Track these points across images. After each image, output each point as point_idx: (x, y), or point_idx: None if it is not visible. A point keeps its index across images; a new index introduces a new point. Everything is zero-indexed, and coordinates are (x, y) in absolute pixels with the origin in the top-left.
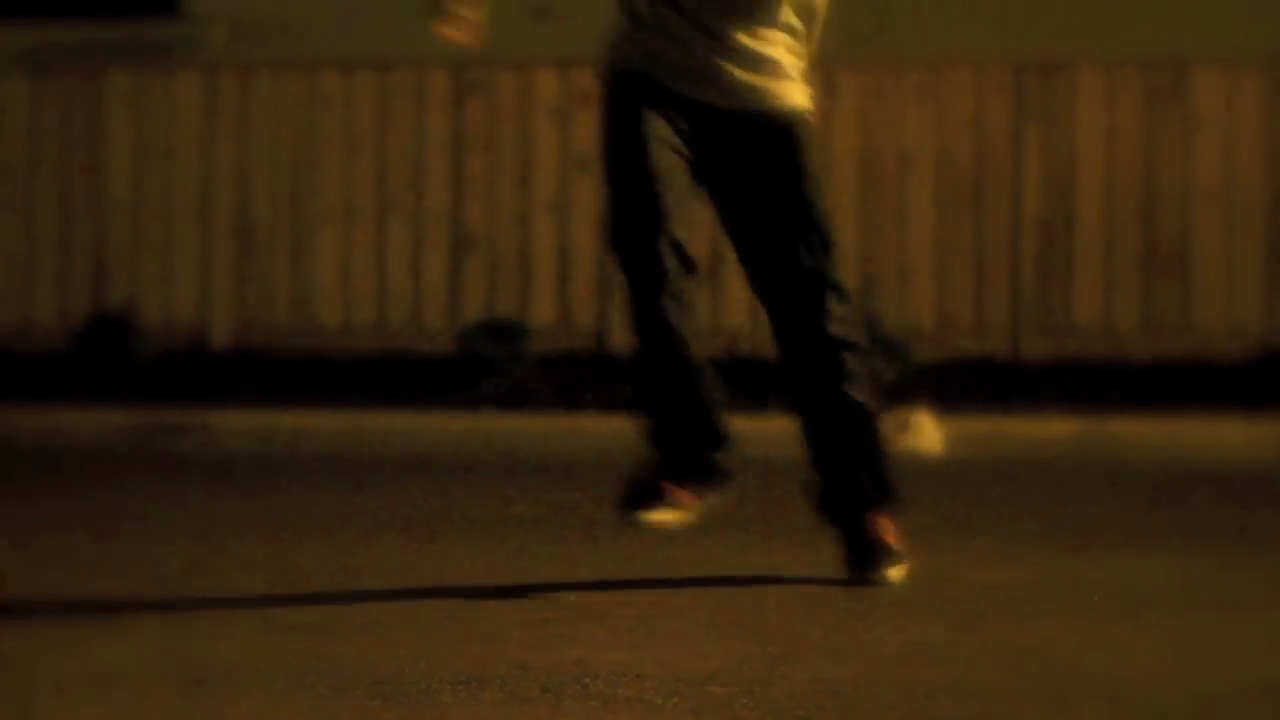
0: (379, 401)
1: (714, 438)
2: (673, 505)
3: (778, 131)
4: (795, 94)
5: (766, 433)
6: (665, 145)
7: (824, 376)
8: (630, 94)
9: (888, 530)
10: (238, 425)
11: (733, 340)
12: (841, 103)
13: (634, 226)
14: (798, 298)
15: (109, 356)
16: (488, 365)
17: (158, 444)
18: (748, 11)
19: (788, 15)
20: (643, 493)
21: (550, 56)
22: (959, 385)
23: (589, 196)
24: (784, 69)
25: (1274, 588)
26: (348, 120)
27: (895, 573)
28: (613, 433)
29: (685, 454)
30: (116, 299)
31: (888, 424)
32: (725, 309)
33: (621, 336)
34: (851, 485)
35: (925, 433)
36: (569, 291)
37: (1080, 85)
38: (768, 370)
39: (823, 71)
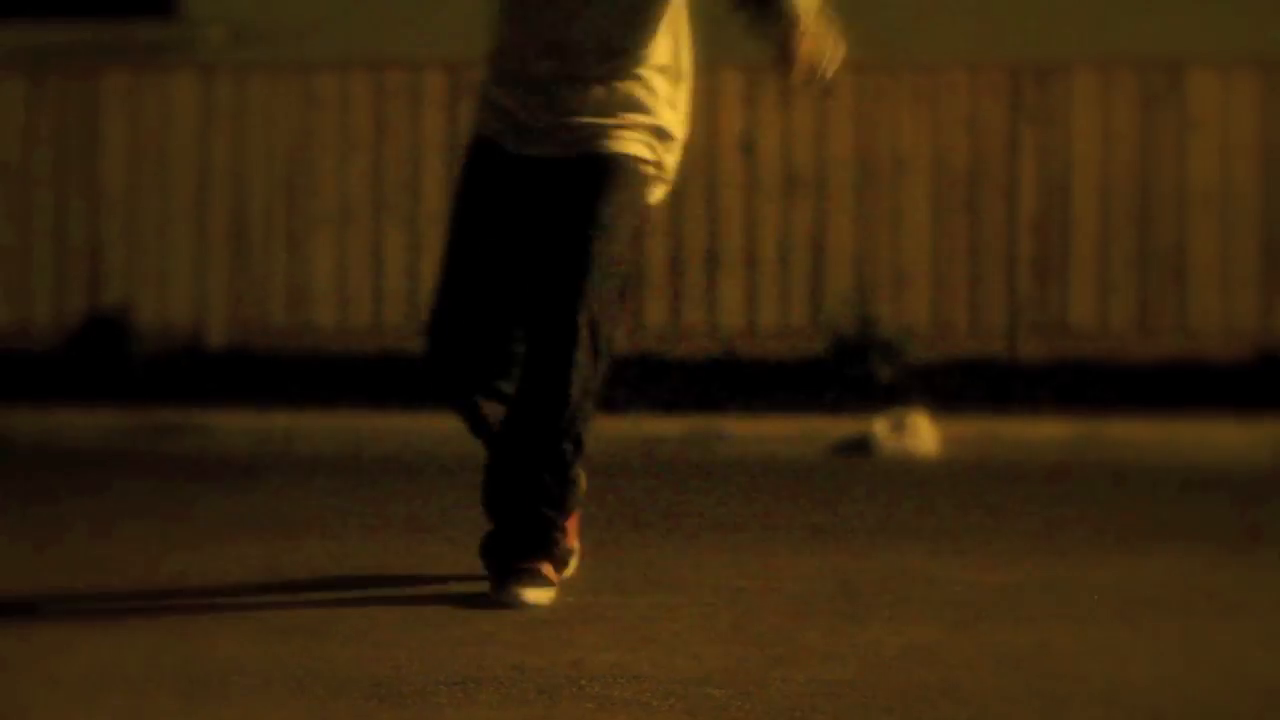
0: (375, 402)
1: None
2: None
3: (593, 178)
4: (626, 144)
5: (763, 434)
6: (500, 239)
7: (549, 426)
8: (477, 170)
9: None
10: (233, 426)
11: (728, 342)
12: (837, 105)
13: (455, 347)
14: (556, 345)
15: (104, 357)
16: None
17: (153, 444)
18: (590, 63)
19: (644, 60)
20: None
21: None
22: (955, 387)
23: None
24: (623, 119)
25: (1271, 590)
26: (344, 121)
27: (536, 595)
28: (607, 434)
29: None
30: (112, 299)
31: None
32: (720, 311)
33: (618, 338)
34: (523, 534)
35: (921, 434)
36: None
37: (1076, 87)
38: (762, 371)
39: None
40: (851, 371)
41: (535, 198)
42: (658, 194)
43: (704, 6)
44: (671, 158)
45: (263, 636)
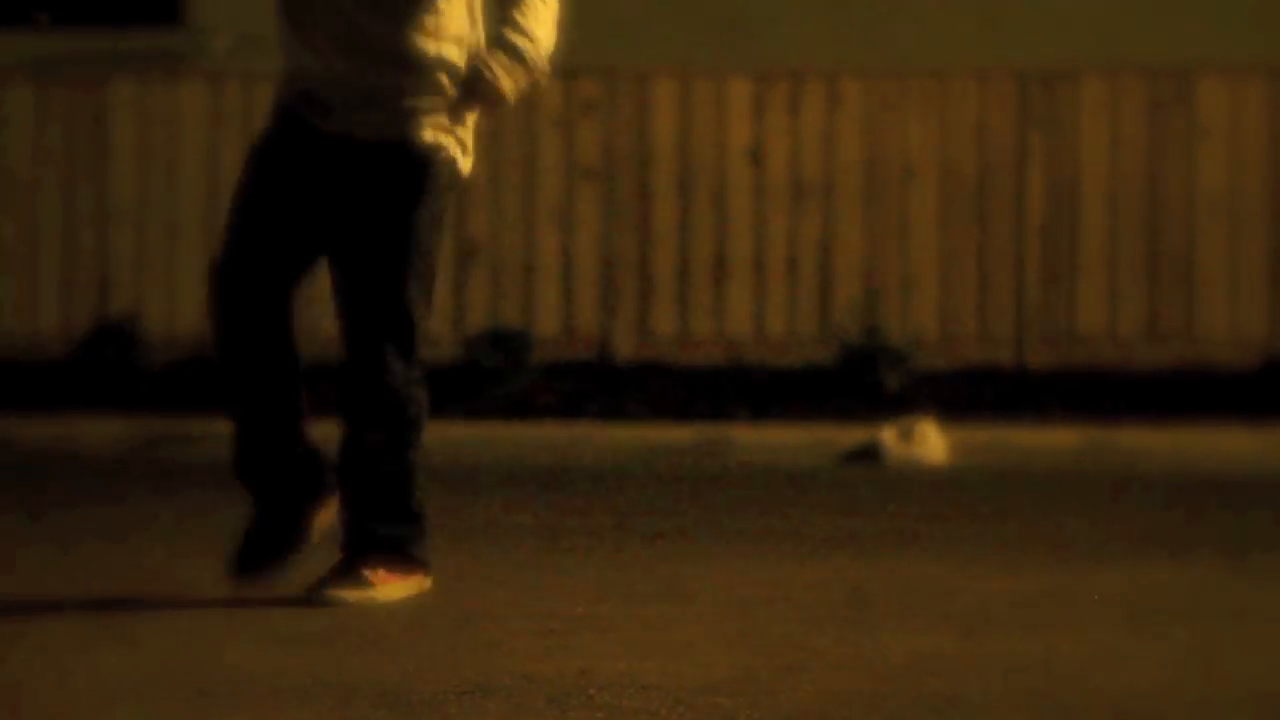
0: None
1: (304, 478)
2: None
3: (397, 169)
4: (428, 131)
5: (771, 442)
6: (291, 208)
7: (370, 416)
8: (275, 142)
9: (382, 574)
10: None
11: (735, 349)
12: (845, 112)
13: (243, 287)
14: (366, 341)
15: (113, 365)
16: (492, 374)
17: (161, 452)
18: (393, 36)
19: (444, 38)
20: (254, 551)
21: (554, 65)
22: (963, 394)
23: (592, 206)
24: (423, 103)
25: (1279, 596)
26: None
27: (351, 594)
28: (616, 441)
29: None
30: (120, 308)
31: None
32: (728, 318)
33: (625, 346)
34: (365, 527)
35: (929, 442)
36: (573, 301)
37: (1084, 94)
38: (771, 379)
39: (827, 80)
40: (860, 379)
41: (340, 180)
42: (465, 167)
43: (712, 15)
44: (469, 131)
45: (271, 645)
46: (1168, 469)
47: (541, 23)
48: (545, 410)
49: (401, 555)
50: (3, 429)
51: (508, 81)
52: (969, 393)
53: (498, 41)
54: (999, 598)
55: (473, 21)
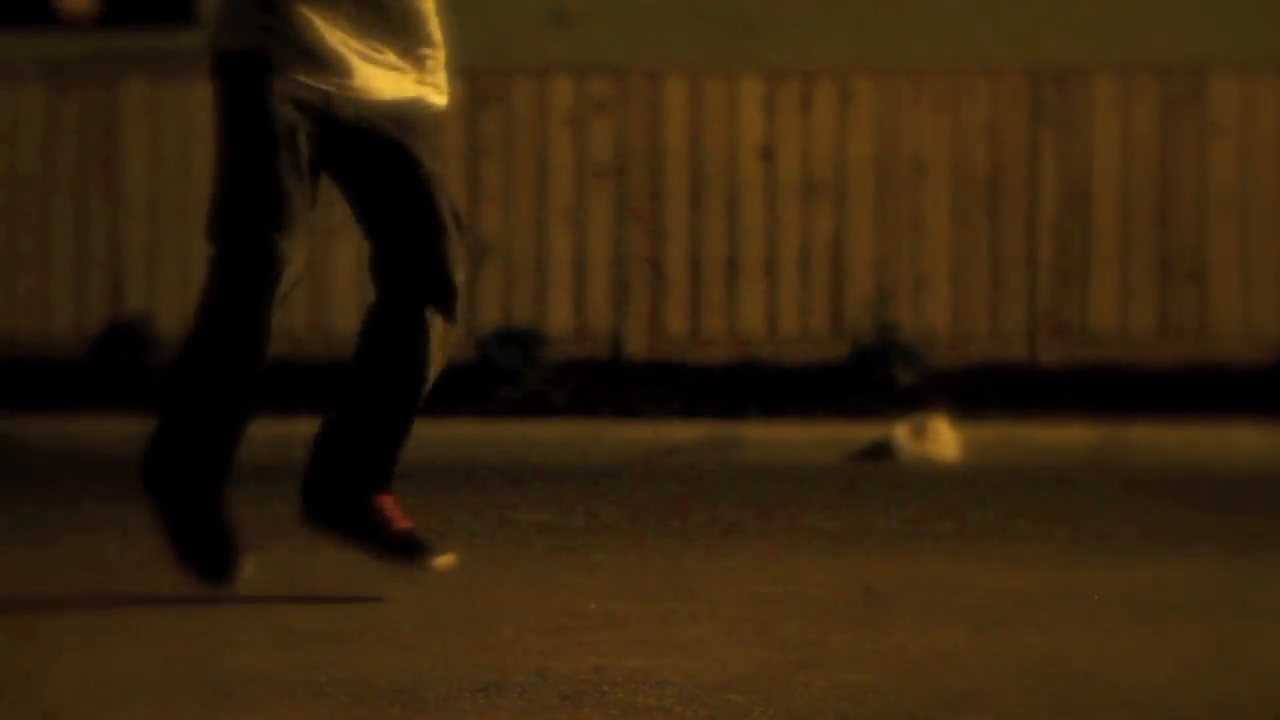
0: None
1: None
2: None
3: (410, 124)
4: (432, 89)
5: (784, 439)
6: (296, 143)
7: (409, 361)
8: (261, 82)
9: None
10: (253, 433)
11: (747, 347)
12: (857, 109)
13: (259, 231)
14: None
15: (125, 365)
16: (504, 373)
17: None
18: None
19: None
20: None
21: (566, 64)
22: (975, 391)
23: (605, 204)
24: (427, 62)
25: None
26: None
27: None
28: (628, 439)
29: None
30: (133, 307)
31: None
32: (739, 316)
33: (637, 344)
34: (374, 464)
35: (942, 439)
36: (585, 299)
37: (1096, 92)
38: (783, 376)
39: (838, 78)
40: (872, 377)
41: (345, 135)
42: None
43: (723, 14)
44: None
45: (285, 642)
46: (1180, 466)
47: None
48: (557, 408)
49: None
50: (15, 428)
51: None
52: (981, 390)
53: None
54: (1012, 594)
55: None
